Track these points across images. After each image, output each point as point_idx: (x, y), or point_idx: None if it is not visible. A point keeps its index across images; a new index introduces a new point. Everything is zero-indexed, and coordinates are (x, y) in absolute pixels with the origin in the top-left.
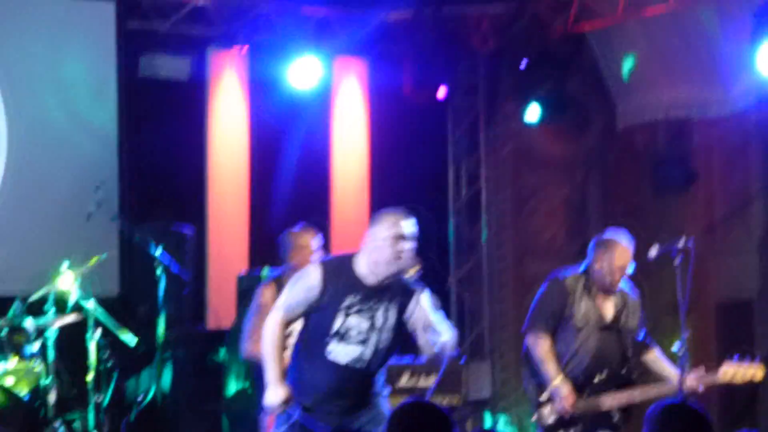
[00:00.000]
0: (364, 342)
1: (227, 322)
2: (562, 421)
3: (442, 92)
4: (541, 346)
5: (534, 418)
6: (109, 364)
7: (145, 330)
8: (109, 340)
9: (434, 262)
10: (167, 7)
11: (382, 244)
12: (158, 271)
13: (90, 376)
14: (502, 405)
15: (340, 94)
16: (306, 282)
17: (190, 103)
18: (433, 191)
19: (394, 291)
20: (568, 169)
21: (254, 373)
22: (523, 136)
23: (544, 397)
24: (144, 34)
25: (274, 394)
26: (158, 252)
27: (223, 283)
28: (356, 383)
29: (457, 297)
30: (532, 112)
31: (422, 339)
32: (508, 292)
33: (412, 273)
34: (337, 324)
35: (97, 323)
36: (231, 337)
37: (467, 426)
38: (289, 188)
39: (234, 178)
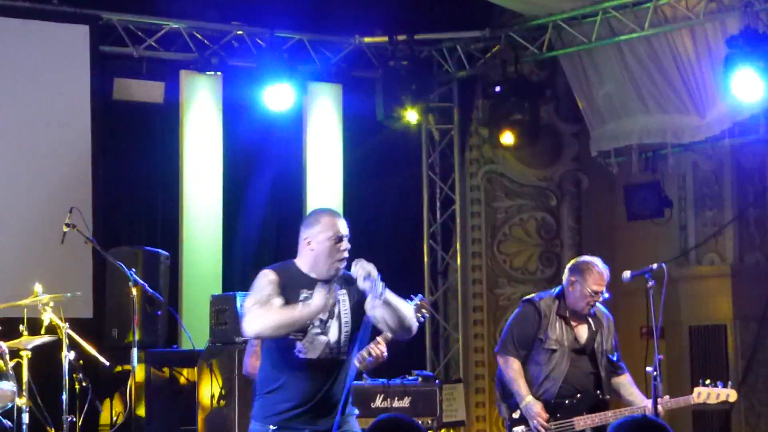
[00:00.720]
0: (325, 332)
1: (201, 342)
2: None
3: (414, 117)
4: (512, 367)
5: None
6: (83, 385)
7: (118, 351)
8: (82, 362)
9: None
10: (141, 31)
11: (321, 245)
12: (132, 293)
13: (64, 397)
14: (477, 428)
15: (313, 118)
16: (266, 281)
17: (164, 127)
18: (407, 215)
19: (340, 281)
20: (541, 195)
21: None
22: (497, 162)
23: (516, 415)
24: (118, 57)
25: None
26: (132, 274)
27: (196, 305)
28: (331, 378)
29: (431, 320)
30: (506, 138)
31: (379, 312)
32: (482, 316)
33: (419, 316)
34: None
35: (71, 344)
36: (205, 357)
37: None
38: (263, 212)
39: (208, 201)
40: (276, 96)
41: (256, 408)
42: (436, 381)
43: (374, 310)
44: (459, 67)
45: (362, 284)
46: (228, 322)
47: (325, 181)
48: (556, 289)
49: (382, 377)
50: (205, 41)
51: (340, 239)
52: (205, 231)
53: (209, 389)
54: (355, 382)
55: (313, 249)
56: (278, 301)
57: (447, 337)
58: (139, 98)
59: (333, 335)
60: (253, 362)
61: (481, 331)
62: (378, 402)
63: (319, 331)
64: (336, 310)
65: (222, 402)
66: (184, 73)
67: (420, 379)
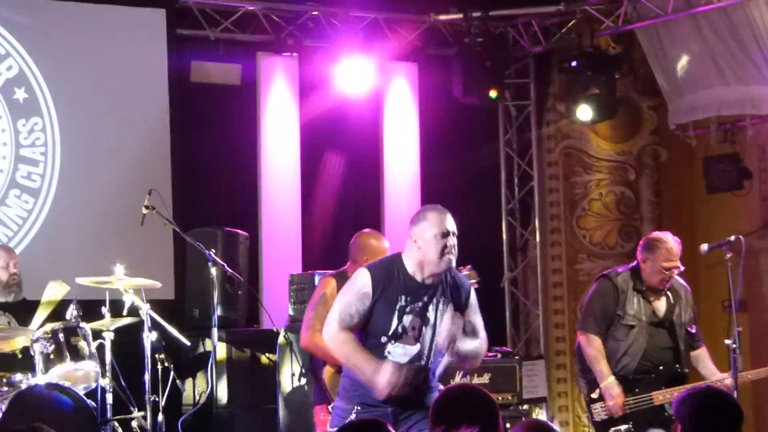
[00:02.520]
0: (419, 339)
1: (281, 322)
2: (614, 418)
3: (493, 94)
4: (593, 345)
5: (585, 414)
6: (165, 365)
7: (199, 331)
8: (164, 342)
9: (488, 262)
10: (217, 13)
11: (428, 243)
12: (211, 274)
13: (146, 377)
14: (558, 403)
15: (390, 97)
16: (357, 290)
17: (241, 108)
18: (486, 193)
19: (444, 287)
20: (620, 169)
21: (310, 364)
22: (575, 137)
23: (595, 394)
24: (195, 40)
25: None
26: (211, 255)
27: (276, 285)
28: (416, 381)
29: (511, 297)
30: (584, 112)
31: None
32: (562, 292)
33: (472, 282)
34: (393, 325)
35: (153, 325)
36: (284, 336)
37: None
38: (341, 191)
39: (286, 181)
40: (352, 76)
41: (342, 386)
42: (516, 357)
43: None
44: (535, 42)
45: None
46: (307, 301)
47: (402, 160)
48: (632, 265)
49: None
50: (281, 22)
51: (446, 235)
52: (284, 210)
53: (289, 368)
54: None
55: (420, 247)
56: (343, 328)
57: (527, 314)
58: (216, 80)
59: (425, 344)
60: (309, 336)
61: (561, 307)
62: (457, 378)
63: (412, 338)
64: (431, 320)
65: (302, 380)
66: (261, 55)
67: (499, 355)
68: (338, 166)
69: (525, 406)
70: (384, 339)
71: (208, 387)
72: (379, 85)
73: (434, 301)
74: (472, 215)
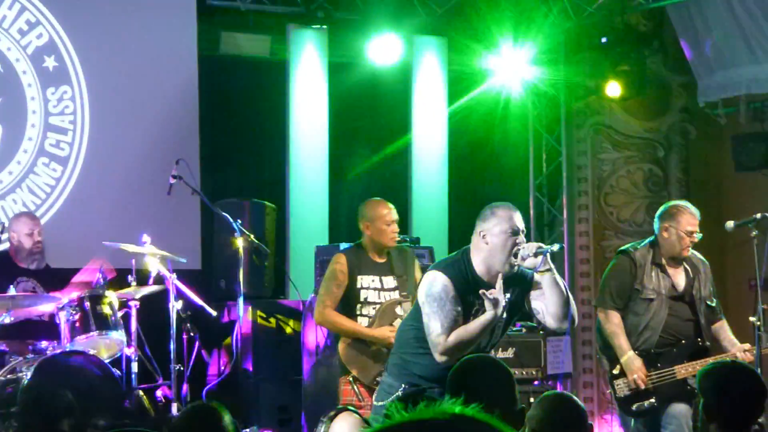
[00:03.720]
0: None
1: (307, 293)
2: (637, 393)
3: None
4: (612, 321)
5: (608, 390)
6: (191, 335)
7: (225, 302)
8: (190, 312)
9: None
10: None
11: (498, 241)
12: (238, 245)
13: (172, 347)
14: (583, 380)
15: (420, 71)
16: (446, 296)
17: (270, 81)
18: (514, 167)
19: (509, 281)
20: (649, 146)
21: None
22: (604, 113)
23: (616, 370)
24: (224, 10)
25: None
26: (238, 225)
27: (303, 257)
28: None
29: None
30: (613, 89)
31: (541, 301)
32: (589, 268)
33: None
34: None
35: (179, 294)
36: (310, 307)
37: None
38: (369, 164)
39: (314, 153)
40: (382, 49)
41: (392, 363)
42: (541, 332)
43: (538, 299)
44: (565, 17)
45: (533, 261)
46: None
47: (431, 134)
48: (650, 239)
49: None
50: None
51: (516, 233)
52: (312, 183)
53: (314, 339)
54: None
55: (488, 243)
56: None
57: None
58: (246, 51)
59: (485, 336)
60: (320, 311)
61: (587, 284)
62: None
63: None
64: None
65: (327, 352)
66: (291, 27)
67: (524, 329)
68: (367, 139)
69: (550, 382)
70: None
71: (234, 357)
72: (409, 58)
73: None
74: (499, 190)
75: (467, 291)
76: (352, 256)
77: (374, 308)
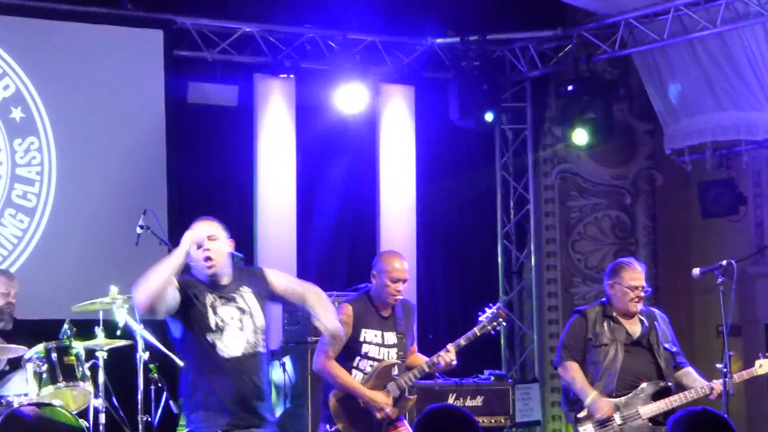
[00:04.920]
0: (242, 328)
1: (276, 343)
2: None
3: (489, 117)
4: (571, 369)
5: None
6: (159, 386)
7: None
8: (157, 362)
9: (483, 285)
10: (215, 35)
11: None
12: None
13: (139, 398)
14: (552, 427)
15: (386, 119)
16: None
17: (238, 129)
18: (481, 216)
19: (241, 275)
20: (616, 193)
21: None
22: (571, 160)
23: (582, 413)
24: (192, 61)
25: None
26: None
27: (272, 306)
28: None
29: (506, 320)
30: (580, 136)
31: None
32: (557, 315)
33: (495, 325)
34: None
35: (146, 345)
36: (278, 357)
37: None
38: (337, 213)
39: (282, 203)
40: (348, 98)
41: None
42: (509, 380)
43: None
44: (531, 66)
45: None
46: (300, 322)
47: (398, 182)
48: (601, 299)
49: (455, 376)
50: (278, 44)
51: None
52: (279, 232)
53: (283, 389)
54: (427, 381)
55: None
56: None
57: (522, 337)
58: (214, 101)
59: (248, 330)
60: (322, 361)
61: (556, 331)
62: (450, 401)
63: (237, 327)
64: (246, 306)
65: (295, 401)
66: (258, 76)
67: (493, 378)
68: (334, 188)
69: (518, 430)
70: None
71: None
72: (376, 107)
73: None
74: (467, 238)
75: None
76: (359, 306)
77: (371, 364)
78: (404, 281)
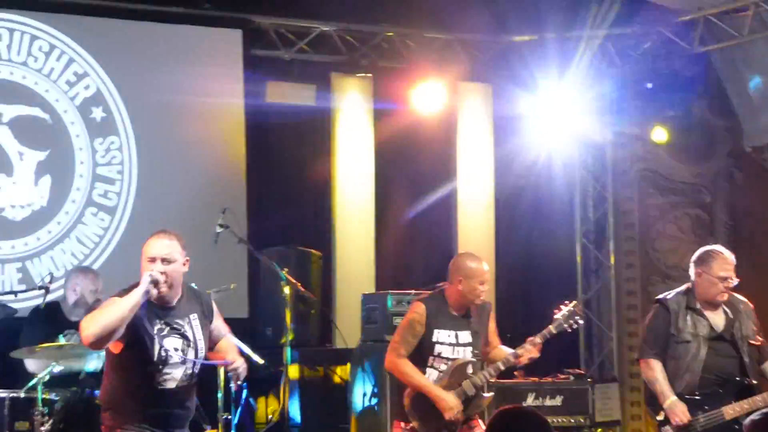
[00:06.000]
0: (184, 361)
1: (353, 341)
2: None
3: (569, 115)
4: (653, 368)
5: None
6: (238, 384)
7: (272, 350)
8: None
9: (562, 284)
10: (292, 34)
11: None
12: (284, 293)
13: (219, 396)
14: (632, 427)
15: (463, 118)
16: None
17: (315, 128)
18: (561, 214)
19: (190, 300)
20: (695, 191)
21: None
22: (650, 158)
23: (661, 416)
24: (270, 60)
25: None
26: (284, 274)
27: (349, 305)
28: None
29: (585, 319)
30: (659, 134)
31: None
32: (636, 314)
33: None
34: None
35: None
36: (357, 356)
37: None
38: (415, 211)
39: (360, 200)
40: (426, 96)
41: None
42: (588, 379)
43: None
44: (610, 64)
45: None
46: (378, 321)
47: (476, 180)
48: (685, 286)
49: (534, 376)
50: (356, 43)
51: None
52: (358, 230)
53: (361, 387)
54: (507, 380)
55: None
56: None
57: (601, 336)
58: (292, 100)
59: (189, 361)
60: (393, 359)
61: (635, 330)
62: (530, 400)
63: (177, 360)
64: (191, 335)
65: (373, 400)
66: (335, 75)
67: (572, 377)
68: (412, 186)
69: (598, 429)
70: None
71: (281, 405)
72: (453, 105)
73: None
74: (546, 236)
75: None
76: (432, 306)
77: (445, 363)
78: (487, 282)
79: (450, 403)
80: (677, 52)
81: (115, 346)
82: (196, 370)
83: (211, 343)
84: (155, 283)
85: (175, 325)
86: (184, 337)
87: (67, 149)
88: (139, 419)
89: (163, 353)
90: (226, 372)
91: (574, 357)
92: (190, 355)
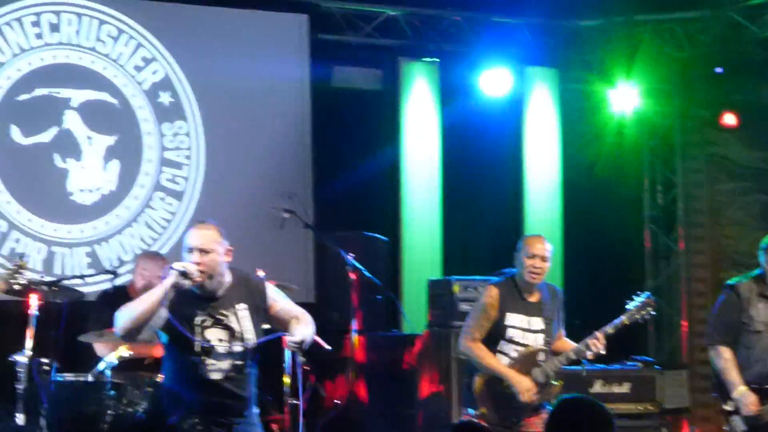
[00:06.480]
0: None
1: (420, 327)
2: (755, 429)
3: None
4: (722, 356)
5: (726, 427)
6: (305, 369)
7: (339, 335)
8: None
9: (630, 270)
10: (359, 18)
11: None
12: (351, 278)
13: (286, 380)
14: (702, 414)
15: (531, 102)
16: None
17: (382, 113)
18: (629, 199)
19: (239, 290)
20: (765, 176)
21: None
22: (719, 143)
23: (729, 406)
24: (336, 44)
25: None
26: (350, 259)
27: (416, 290)
28: None
29: (655, 308)
30: (728, 119)
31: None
32: (705, 301)
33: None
34: None
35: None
36: (423, 341)
37: None
38: (482, 196)
39: (427, 186)
40: (493, 81)
41: None
42: (657, 366)
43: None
44: (679, 48)
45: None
46: (444, 306)
47: (544, 165)
48: (757, 270)
49: (601, 363)
50: (422, 28)
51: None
52: (425, 216)
53: (428, 373)
54: (574, 367)
55: None
56: None
57: (670, 322)
58: (358, 85)
59: (236, 352)
60: (465, 343)
61: (705, 316)
62: (597, 387)
63: (222, 352)
64: (237, 326)
65: (440, 386)
66: (402, 60)
67: (640, 364)
68: (479, 171)
69: (667, 417)
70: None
71: (347, 391)
72: (521, 90)
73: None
74: (614, 222)
75: None
76: (504, 290)
77: (516, 349)
78: (542, 258)
79: (526, 385)
80: (747, 36)
81: (162, 335)
82: (249, 360)
83: (282, 326)
84: (184, 274)
85: (218, 316)
86: (227, 328)
87: (136, 134)
88: (191, 407)
89: (206, 345)
90: (285, 344)
91: (643, 344)
92: (236, 346)
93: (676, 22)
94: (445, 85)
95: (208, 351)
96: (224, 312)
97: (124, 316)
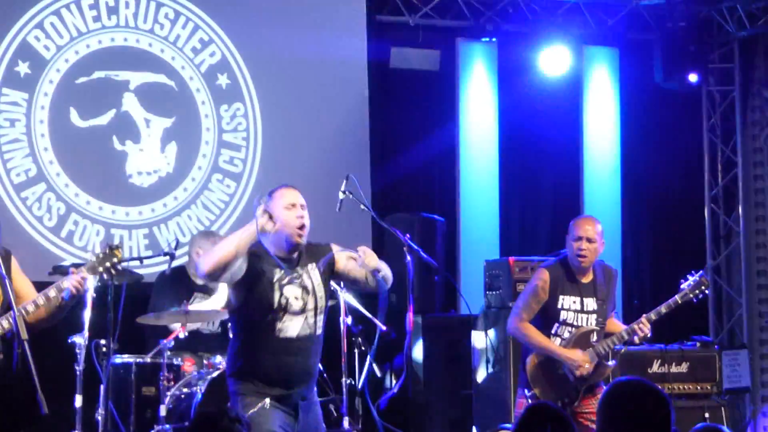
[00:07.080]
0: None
1: (477, 308)
2: None
3: (694, 78)
4: None
5: None
6: (362, 350)
7: (396, 317)
8: (361, 327)
9: (691, 250)
10: None
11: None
12: (409, 260)
13: (343, 361)
14: (763, 394)
15: (590, 82)
16: None
17: (440, 94)
18: (688, 179)
19: (307, 254)
20: None
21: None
22: None
23: None
24: (394, 25)
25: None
26: (407, 240)
27: (473, 271)
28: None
29: (714, 285)
30: None
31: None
32: (766, 280)
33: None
34: None
35: (349, 309)
36: (480, 322)
37: (723, 414)
38: (539, 176)
39: (484, 167)
40: (551, 60)
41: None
42: (716, 346)
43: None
44: (739, 26)
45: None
46: (502, 287)
47: (602, 145)
48: None
49: (660, 342)
50: (480, 8)
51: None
52: (482, 196)
53: (485, 354)
54: (632, 347)
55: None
56: None
57: (730, 302)
58: (416, 66)
59: (309, 311)
60: (515, 324)
61: (765, 296)
62: (655, 367)
63: (299, 307)
64: (310, 285)
65: (497, 366)
66: (460, 41)
67: (698, 344)
68: (537, 152)
69: (726, 396)
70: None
71: (405, 372)
72: (579, 69)
73: None
74: (674, 202)
75: None
76: (556, 273)
77: (570, 330)
78: (588, 240)
79: (579, 359)
80: None
81: (234, 296)
82: (320, 321)
83: (351, 278)
84: (270, 215)
85: (294, 275)
86: (303, 287)
87: (193, 116)
88: (261, 377)
89: (284, 300)
90: (373, 274)
91: (703, 324)
92: (310, 303)
93: (737, 0)
94: (502, 65)
95: (285, 308)
96: (299, 270)
97: (213, 254)
